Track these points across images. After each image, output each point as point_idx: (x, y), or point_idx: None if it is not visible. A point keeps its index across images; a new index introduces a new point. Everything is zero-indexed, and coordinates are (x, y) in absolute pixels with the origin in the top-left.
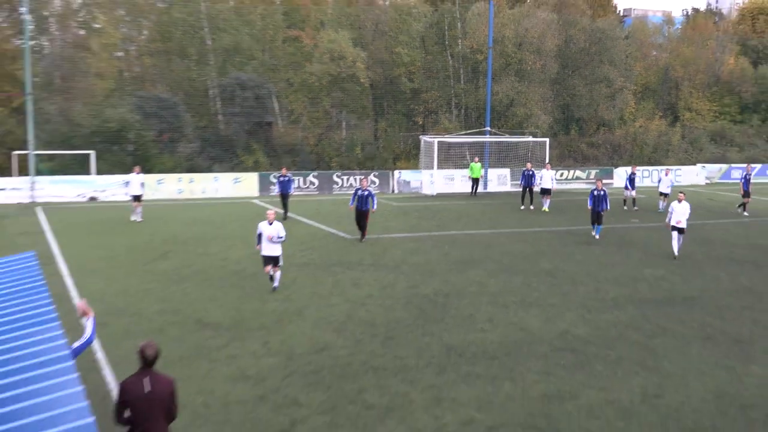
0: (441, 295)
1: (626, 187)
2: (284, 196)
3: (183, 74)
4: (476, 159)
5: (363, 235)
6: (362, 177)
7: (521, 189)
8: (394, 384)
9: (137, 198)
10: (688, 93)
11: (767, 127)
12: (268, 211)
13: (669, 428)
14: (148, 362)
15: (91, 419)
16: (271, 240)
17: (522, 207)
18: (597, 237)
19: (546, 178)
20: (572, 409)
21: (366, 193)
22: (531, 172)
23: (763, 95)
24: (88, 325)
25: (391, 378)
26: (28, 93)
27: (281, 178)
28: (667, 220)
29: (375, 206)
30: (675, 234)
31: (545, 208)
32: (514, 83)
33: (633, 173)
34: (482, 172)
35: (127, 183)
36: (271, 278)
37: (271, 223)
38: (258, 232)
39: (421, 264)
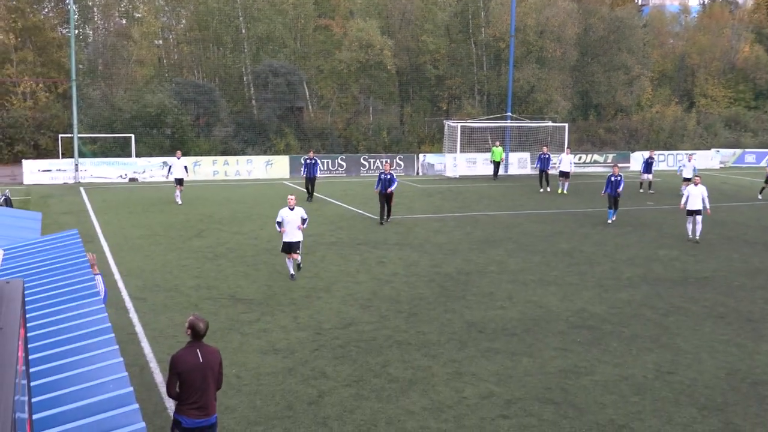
0: (463, 274)
1: (643, 171)
2: (310, 179)
3: (219, 61)
4: (498, 143)
5: (388, 215)
6: (385, 161)
7: (538, 172)
8: (417, 358)
9: (180, 182)
10: (704, 80)
11: None
12: (289, 197)
13: (681, 403)
14: (199, 335)
15: (129, 389)
16: (298, 228)
17: (540, 190)
18: (612, 221)
19: (565, 162)
20: (588, 383)
21: (389, 176)
22: (547, 156)
23: None
24: (99, 284)
25: (414, 352)
26: (73, 79)
27: (308, 161)
28: (682, 203)
29: (394, 186)
30: (690, 217)
31: (563, 190)
32: (534, 70)
33: (650, 158)
34: (503, 155)
35: (169, 167)
36: (293, 268)
37: (292, 209)
38: (278, 220)
39: (444, 243)
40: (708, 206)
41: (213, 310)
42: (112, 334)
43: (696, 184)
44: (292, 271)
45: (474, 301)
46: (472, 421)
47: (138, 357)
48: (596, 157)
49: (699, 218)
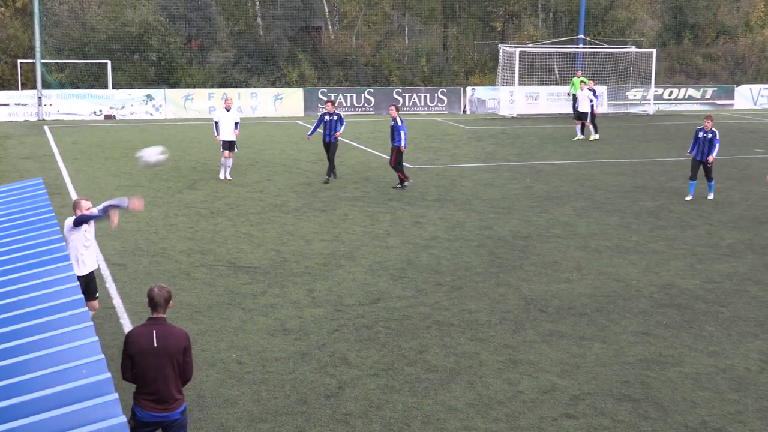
0: (520, 238)
1: None
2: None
3: None
4: (579, 73)
5: (332, 171)
6: (328, 100)
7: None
8: (461, 343)
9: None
10: None
11: None
12: (226, 99)
13: None
14: (156, 307)
15: (107, 375)
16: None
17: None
18: (711, 197)
19: (582, 99)
20: (675, 376)
21: (335, 117)
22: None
23: None
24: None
25: (458, 336)
26: None
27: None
28: None
29: (341, 130)
30: None
31: (580, 136)
32: None
33: None
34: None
35: (216, 123)
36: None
37: (228, 110)
38: (215, 121)
39: (497, 200)
40: None
41: (209, 280)
42: (86, 308)
43: None
44: (224, 175)
45: (533, 273)
46: (529, 420)
47: (117, 336)
48: (691, 91)
49: None
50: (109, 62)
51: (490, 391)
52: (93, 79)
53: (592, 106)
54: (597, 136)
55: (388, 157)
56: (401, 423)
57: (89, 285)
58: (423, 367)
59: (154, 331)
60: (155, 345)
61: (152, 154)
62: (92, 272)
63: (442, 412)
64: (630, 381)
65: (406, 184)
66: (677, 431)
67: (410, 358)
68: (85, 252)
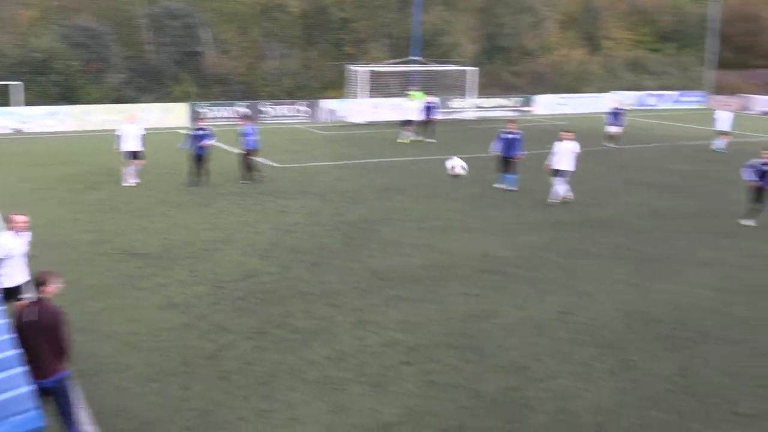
0: (367, 222)
1: (610, 123)
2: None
3: (110, 3)
4: (414, 87)
5: (199, 178)
6: (199, 116)
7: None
8: (319, 308)
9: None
10: (609, 22)
11: (681, 56)
12: (130, 115)
13: (580, 343)
14: (36, 285)
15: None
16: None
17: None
18: (512, 189)
19: (415, 109)
20: (490, 327)
21: (202, 132)
22: (433, 105)
23: (679, 24)
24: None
25: (316, 302)
26: None
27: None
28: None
29: (208, 143)
30: (558, 178)
31: (406, 139)
32: (441, 12)
33: (618, 108)
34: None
35: (119, 136)
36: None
37: (132, 123)
38: (118, 134)
39: (348, 191)
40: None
41: (107, 266)
42: None
43: (561, 140)
44: (129, 181)
45: (378, 250)
46: (374, 369)
47: None
48: (502, 101)
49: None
50: (20, 83)
51: (343, 347)
52: (1, 97)
53: (430, 114)
54: (412, 138)
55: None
56: (269, 376)
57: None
58: (288, 329)
59: (38, 308)
60: (33, 320)
61: (457, 164)
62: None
63: (304, 365)
64: (455, 333)
65: (245, 181)
66: (492, 370)
67: (277, 322)
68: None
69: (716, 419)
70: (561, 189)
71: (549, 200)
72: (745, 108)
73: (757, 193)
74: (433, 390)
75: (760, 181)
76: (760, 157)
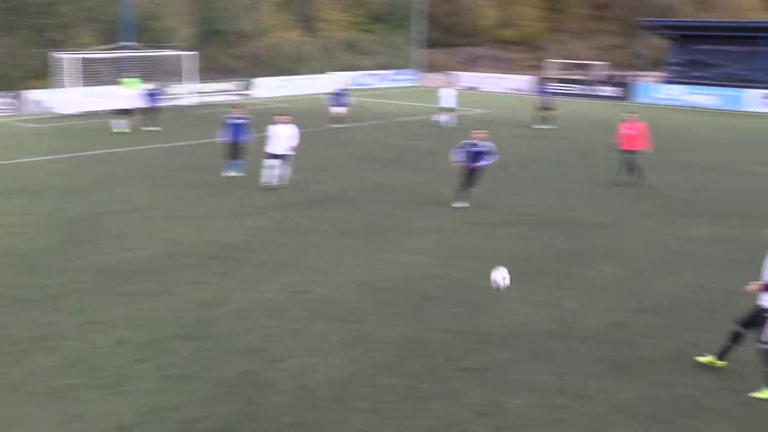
0: (90, 217)
1: (333, 104)
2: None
3: None
4: (130, 74)
5: None
6: None
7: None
8: (39, 315)
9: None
10: (323, 4)
11: (393, 36)
12: None
13: (314, 319)
14: None
15: None
16: None
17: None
18: (240, 174)
19: (133, 97)
20: (224, 313)
21: None
22: (156, 91)
23: (390, 6)
24: None
25: (36, 309)
26: None
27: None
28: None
29: None
30: (272, 161)
31: (123, 129)
32: None
33: (343, 90)
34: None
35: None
36: None
37: None
38: None
39: (65, 186)
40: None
41: None
42: None
43: (275, 123)
44: None
45: (103, 245)
46: (107, 371)
47: None
48: (223, 85)
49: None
50: None
51: (71, 352)
52: None
53: (154, 101)
54: (128, 130)
55: None
56: None
57: None
58: (8, 341)
59: None
60: None
61: (500, 275)
62: None
63: (28, 377)
64: (189, 323)
65: None
66: (229, 356)
67: None
68: None
69: (444, 377)
70: (284, 171)
71: (262, 183)
72: (452, 84)
73: (468, 175)
74: (172, 384)
75: (471, 162)
76: (470, 138)
